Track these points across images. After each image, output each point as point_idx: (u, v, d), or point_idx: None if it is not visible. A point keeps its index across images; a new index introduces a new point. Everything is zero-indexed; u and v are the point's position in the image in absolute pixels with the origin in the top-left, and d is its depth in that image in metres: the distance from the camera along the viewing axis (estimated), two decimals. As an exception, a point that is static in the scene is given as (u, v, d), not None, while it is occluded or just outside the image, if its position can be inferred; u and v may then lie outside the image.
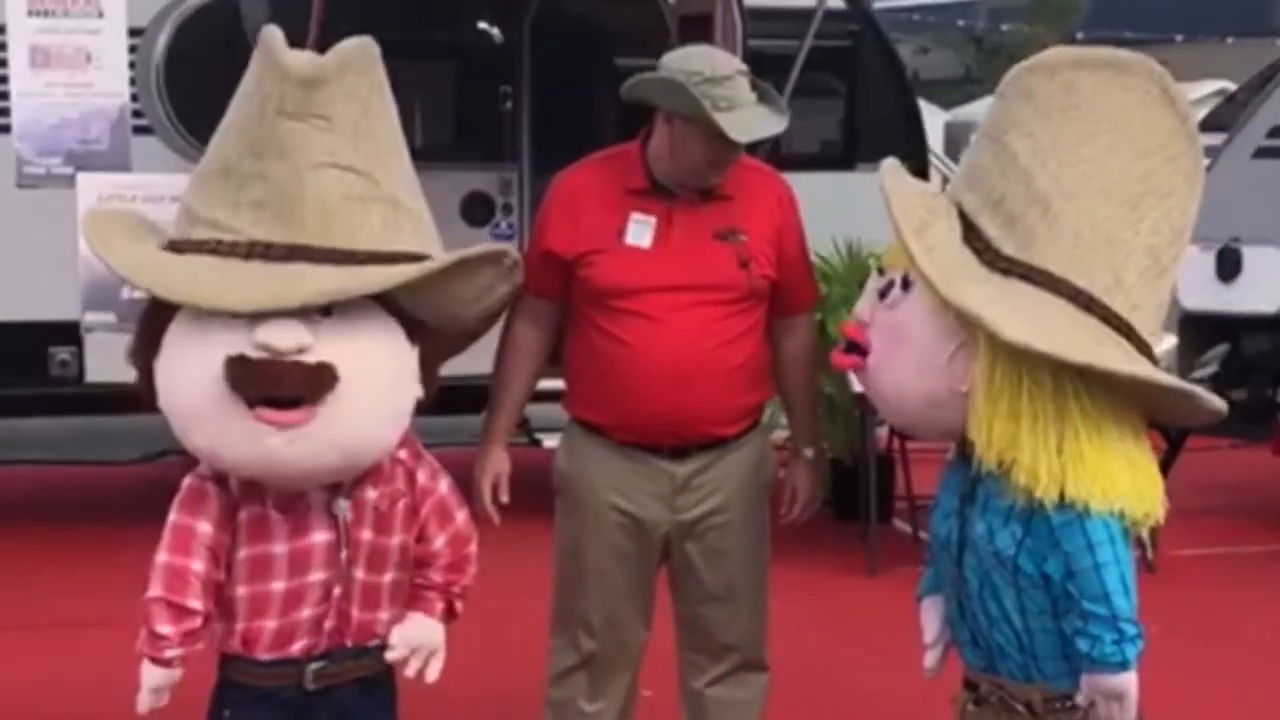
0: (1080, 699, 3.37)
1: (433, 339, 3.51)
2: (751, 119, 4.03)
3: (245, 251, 3.29)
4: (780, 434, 4.76)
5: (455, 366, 3.72)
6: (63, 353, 7.75)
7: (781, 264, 4.20)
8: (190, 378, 3.26)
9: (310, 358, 3.21)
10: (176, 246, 3.38)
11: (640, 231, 4.12)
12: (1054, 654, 3.39)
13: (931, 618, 3.63)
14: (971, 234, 3.36)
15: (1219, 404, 3.43)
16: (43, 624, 6.63)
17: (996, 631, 3.43)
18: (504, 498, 4.27)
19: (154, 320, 3.36)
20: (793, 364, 4.34)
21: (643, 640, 4.39)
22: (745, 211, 4.17)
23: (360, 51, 3.42)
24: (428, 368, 3.46)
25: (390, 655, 3.54)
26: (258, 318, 3.21)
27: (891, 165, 3.58)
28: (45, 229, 7.54)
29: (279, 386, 3.20)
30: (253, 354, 3.19)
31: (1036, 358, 3.21)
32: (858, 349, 3.50)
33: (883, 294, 3.46)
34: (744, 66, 4.13)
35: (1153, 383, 3.30)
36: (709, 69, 4.04)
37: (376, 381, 3.32)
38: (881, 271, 3.52)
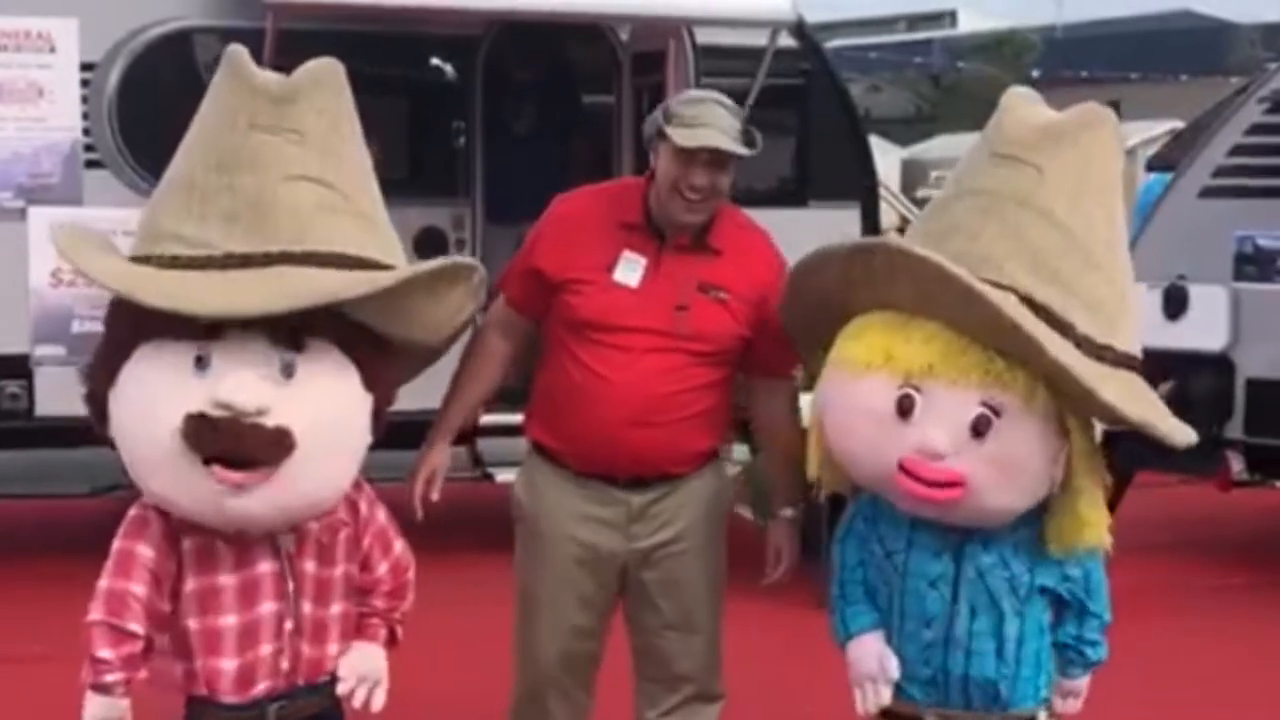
0: (1057, 705, 3.65)
1: (388, 373, 3.50)
2: (704, 135, 4.06)
3: (221, 263, 3.27)
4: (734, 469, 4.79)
5: (402, 402, 3.71)
6: (12, 386, 7.71)
7: (764, 326, 4.20)
8: (147, 426, 3.25)
9: (269, 420, 3.21)
10: (145, 261, 3.34)
11: (629, 271, 4.17)
12: (1030, 675, 3.55)
13: (885, 651, 3.62)
14: (1050, 322, 3.35)
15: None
16: (-5, 657, 6.56)
17: (976, 664, 3.51)
18: (435, 495, 4.28)
19: (115, 349, 3.33)
20: (778, 425, 4.39)
21: (596, 669, 4.42)
22: (733, 268, 4.21)
23: (329, 71, 3.46)
24: (379, 409, 3.47)
25: (342, 688, 3.53)
26: (223, 372, 3.20)
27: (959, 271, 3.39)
28: (-5, 264, 7.55)
29: (237, 448, 3.20)
30: (212, 411, 3.19)
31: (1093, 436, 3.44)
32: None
33: (978, 430, 3.34)
34: (729, 101, 4.18)
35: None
36: (687, 96, 4.19)
37: (332, 439, 3.33)
38: (919, 390, 3.38)
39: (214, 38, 7.92)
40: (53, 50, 7.64)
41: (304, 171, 3.34)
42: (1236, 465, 8.25)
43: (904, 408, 3.38)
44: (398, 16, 7.62)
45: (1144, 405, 3.40)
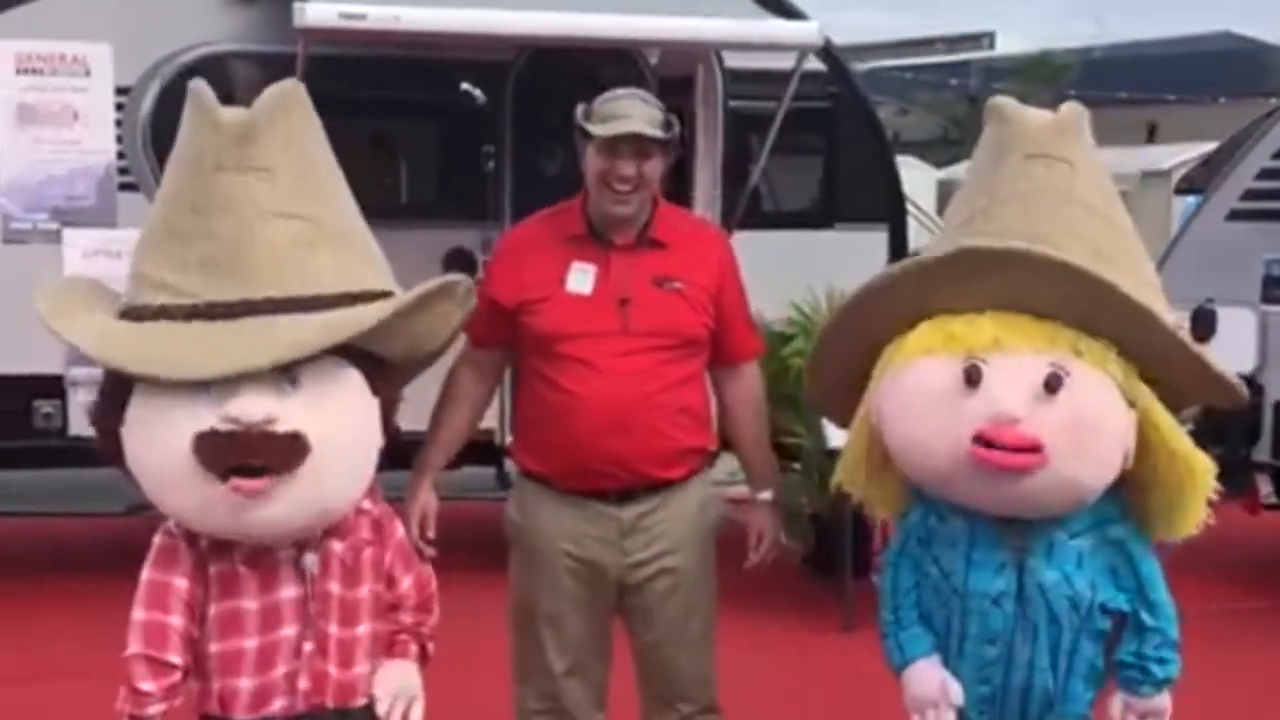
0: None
1: (391, 379, 3.52)
2: (622, 124, 4.15)
3: (204, 313, 3.27)
4: (740, 490, 4.82)
5: (411, 424, 3.76)
6: (46, 406, 7.79)
7: (720, 313, 4.30)
8: (158, 451, 3.26)
9: (280, 427, 3.22)
10: (133, 313, 3.35)
11: (581, 279, 4.23)
12: (1080, 688, 3.58)
13: (947, 676, 3.60)
14: None
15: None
16: (28, 676, 6.66)
17: (1034, 681, 3.54)
18: (430, 534, 4.32)
19: (116, 387, 3.34)
20: (740, 408, 4.45)
21: (604, 683, 4.47)
22: (682, 260, 4.28)
23: (289, 96, 3.43)
24: (387, 411, 3.49)
25: (380, 708, 3.52)
26: (226, 386, 3.20)
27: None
28: (31, 283, 7.54)
29: (250, 458, 3.21)
30: (221, 427, 3.20)
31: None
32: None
33: (1050, 387, 3.33)
34: (646, 94, 4.32)
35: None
36: (608, 94, 4.27)
37: (345, 442, 3.34)
38: (979, 368, 3.37)
39: (247, 62, 8.03)
40: (87, 74, 7.74)
41: (277, 209, 3.32)
42: (1265, 488, 8.24)
43: (972, 378, 3.35)
44: (428, 42, 7.67)
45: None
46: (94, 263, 7.62)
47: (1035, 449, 3.31)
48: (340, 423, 3.32)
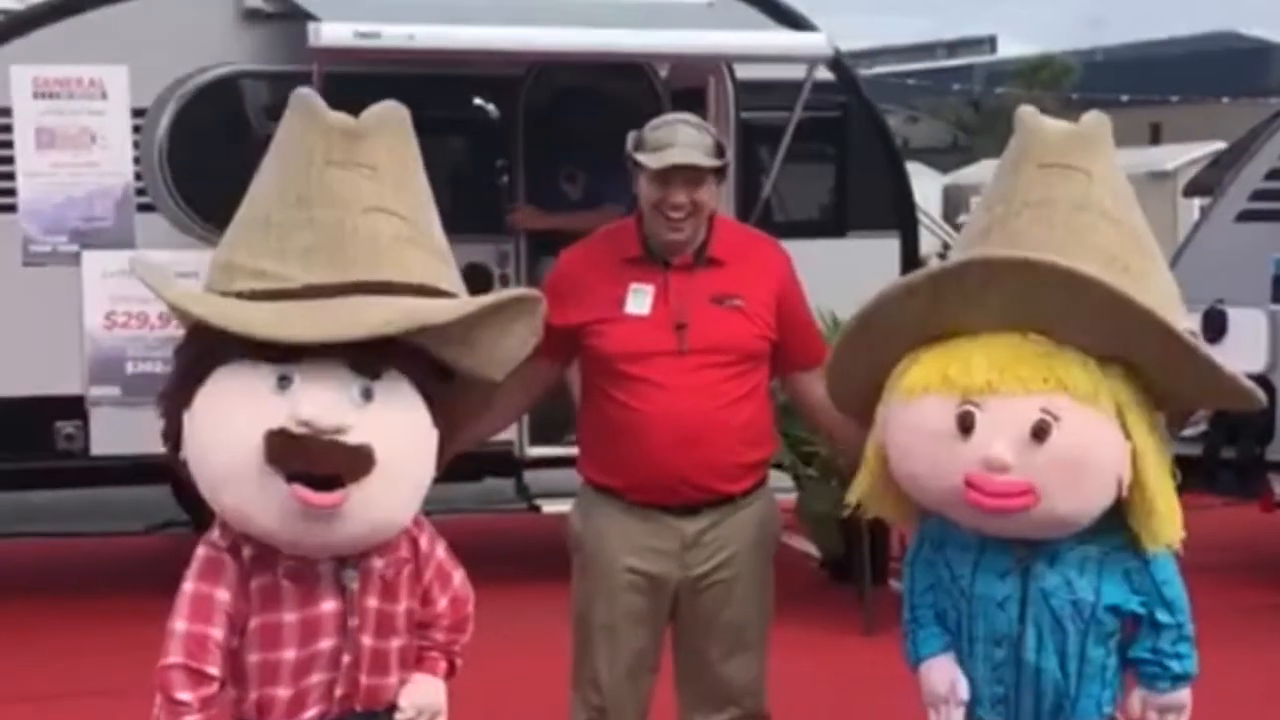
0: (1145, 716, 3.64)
1: (450, 416, 3.53)
2: (673, 154, 4.19)
3: (299, 294, 3.31)
4: (785, 498, 4.85)
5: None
6: (68, 426, 7.83)
7: (785, 325, 4.36)
8: (225, 442, 3.27)
9: (350, 438, 3.24)
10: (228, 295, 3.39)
11: (639, 300, 4.29)
12: (1093, 690, 3.59)
13: (957, 673, 3.68)
14: None
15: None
16: (50, 695, 6.69)
17: (1044, 682, 3.58)
18: None
19: (194, 365, 3.36)
20: (826, 408, 4.29)
21: (649, 696, 4.51)
22: (740, 276, 4.33)
23: (396, 113, 3.51)
24: (442, 446, 3.50)
25: (400, 718, 3.58)
26: (303, 388, 3.23)
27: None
28: (51, 305, 7.70)
29: (318, 464, 3.23)
30: (294, 429, 3.22)
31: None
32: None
33: (1039, 434, 3.38)
34: (695, 119, 4.34)
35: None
36: (658, 120, 4.30)
37: (408, 463, 3.37)
38: (971, 414, 3.42)
39: (262, 82, 8.10)
40: (104, 97, 7.80)
41: (380, 204, 3.39)
42: (1278, 488, 8.28)
43: (965, 425, 3.43)
44: (441, 59, 7.73)
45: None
46: (113, 284, 7.69)
47: (1024, 493, 3.41)
48: (404, 444, 3.35)
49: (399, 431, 3.35)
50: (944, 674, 3.69)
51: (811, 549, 8.44)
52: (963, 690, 3.66)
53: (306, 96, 3.49)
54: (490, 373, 3.58)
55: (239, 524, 3.37)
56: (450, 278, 3.51)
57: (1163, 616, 3.57)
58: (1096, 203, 3.54)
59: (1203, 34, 45.57)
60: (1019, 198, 3.62)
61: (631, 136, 4.30)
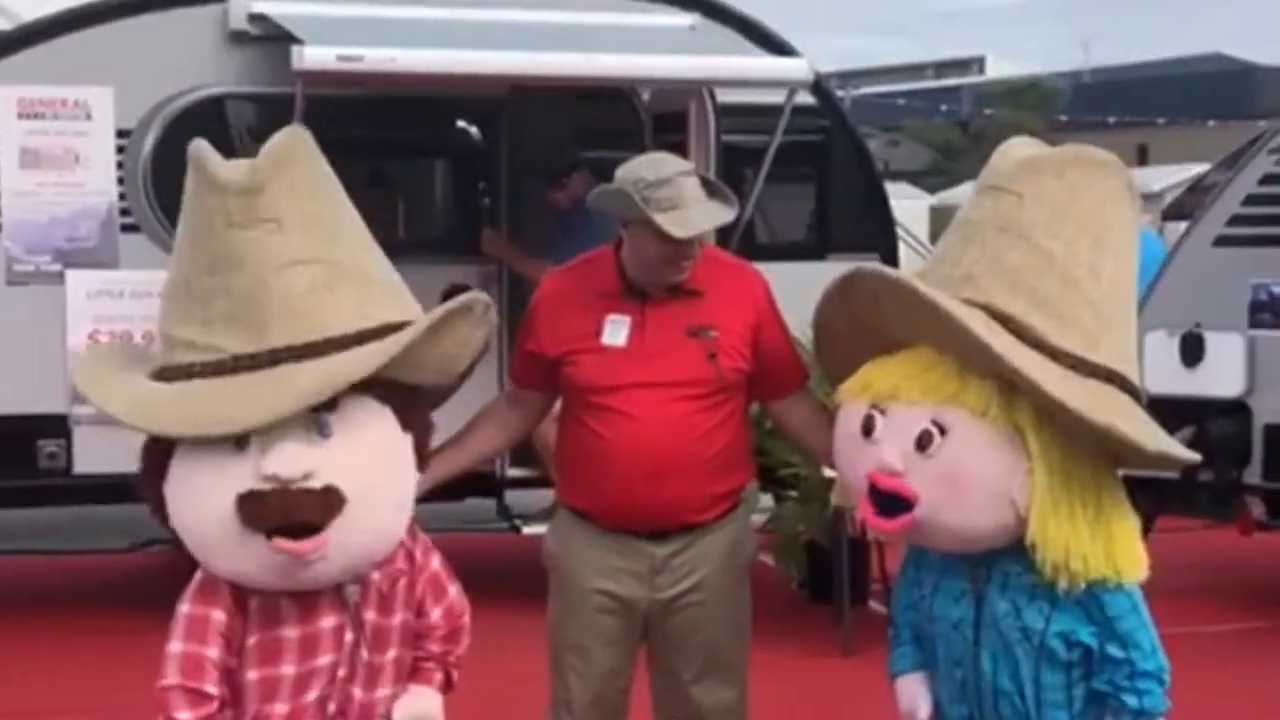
0: None
1: (423, 403, 3.60)
2: (694, 215, 4.22)
3: (230, 367, 3.35)
4: (758, 518, 4.88)
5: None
6: (51, 445, 7.84)
7: (761, 354, 4.36)
8: (202, 512, 3.35)
9: (316, 482, 3.30)
10: (166, 373, 3.44)
11: (616, 331, 4.32)
12: (1059, 716, 3.61)
13: (920, 693, 3.77)
14: (1023, 335, 3.50)
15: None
16: (34, 711, 6.69)
17: (1004, 704, 3.61)
18: None
19: (156, 449, 3.42)
20: (810, 430, 4.41)
21: (626, 713, 4.53)
22: (717, 306, 4.35)
23: (291, 143, 3.50)
24: (420, 442, 3.56)
25: None
26: (263, 443, 3.29)
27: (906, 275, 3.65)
28: (34, 324, 7.72)
29: (291, 516, 3.29)
30: (261, 486, 3.28)
31: (1090, 463, 3.49)
32: (896, 502, 3.53)
33: (921, 445, 3.49)
34: (688, 166, 4.36)
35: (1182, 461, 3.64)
36: (652, 174, 4.24)
37: (381, 486, 3.42)
38: (882, 411, 3.56)
39: (246, 104, 8.15)
40: (89, 117, 7.82)
41: (291, 258, 3.39)
42: (1256, 510, 8.33)
43: (866, 428, 3.58)
44: (424, 82, 7.77)
45: (1106, 410, 3.45)
46: (97, 303, 7.72)
47: (904, 496, 3.51)
48: (373, 467, 3.40)
49: (365, 458, 3.39)
50: (909, 692, 3.79)
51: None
52: (921, 709, 3.74)
53: (198, 154, 3.46)
54: (440, 380, 3.64)
55: (238, 582, 3.43)
56: (385, 297, 3.52)
57: (1114, 651, 3.56)
58: (1020, 225, 3.57)
59: (1190, 56, 45.64)
60: (959, 217, 3.76)
61: (635, 190, 4.21)
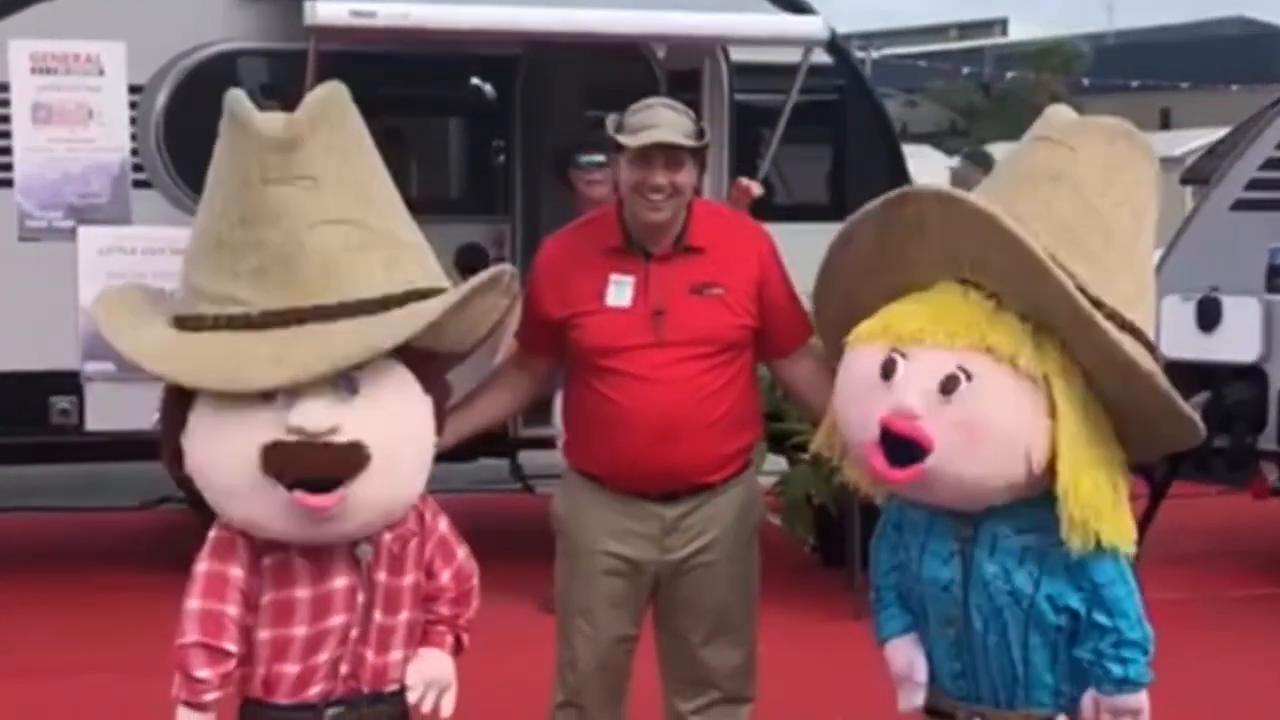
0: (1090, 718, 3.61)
1: (440, 367, 3.59)
2: (653, 134, 4.19)
3: (258, 322, 3.33)
4: (766, 481, 4.87)
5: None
6: (63, 401, 7.85)
7: (766, 311, 4.33)
8: (224, 460, 3.34)
9: (341, 437, 3.29)
10: (189, 323, 3.41)
11: (620, 292, 4.29)
12: (1046, 682, 3.60)
13: (914, 655, 3.76)
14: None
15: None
16: (44, 669, 6.71)
17: (993, 664, 3.61)
18: None
19: (178, 397, 3.40)
20: (812, 388, 4.35)
21: (628, 679, 4.52)
22: (720, 263, 4.32)
23: (330, 101, 3.47)
24: (439, 406, 3.57)
25: (411, 696, 3.61)
26: (290, 396, 3.28)
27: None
28: (46, 281, 7.72)
29: (314, 469, 3.29)
30: (286, 437, 3.27)
31: (1103, 418, 3.46)
32: (909, 448, 3.46)
33: (946, 389, 3.42)
34: (677, 104, 4.34)
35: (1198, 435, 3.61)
36: (638, 104, 4.29)
37: (404, 446, 3.42)
38: (904, 355, 3.48)
39: (259, 60, 8.12)
40: (101, 73, 7.80)
41: (324, 216, 3.38)
42: (1271, 476, 8.29)
43: (887, 370, 3.48)
44: (437, 38, 7.73)
45: (1147, 361, 3.45)
46: (109, 260, 7.71)
47: (921, 447, 3.42)
48: (397, 427, 3.40)
49: (390, 418, 3.39)
50: (902, 655, 3.77)
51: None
52: (920, 672, 3.72)
53: (236, 105, 3.44)
54: (459, 347, 3.63)
55: (254, 531, 3.43)
56: (412, 263, 3.52)
57: (1100, 619, 3.53)
58: (1073, 177, 3.55)
59: (1214, 19, 45.46)
60: (1010, 166, 3.74)
61: (611, 120, 4.29)
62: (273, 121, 3.41)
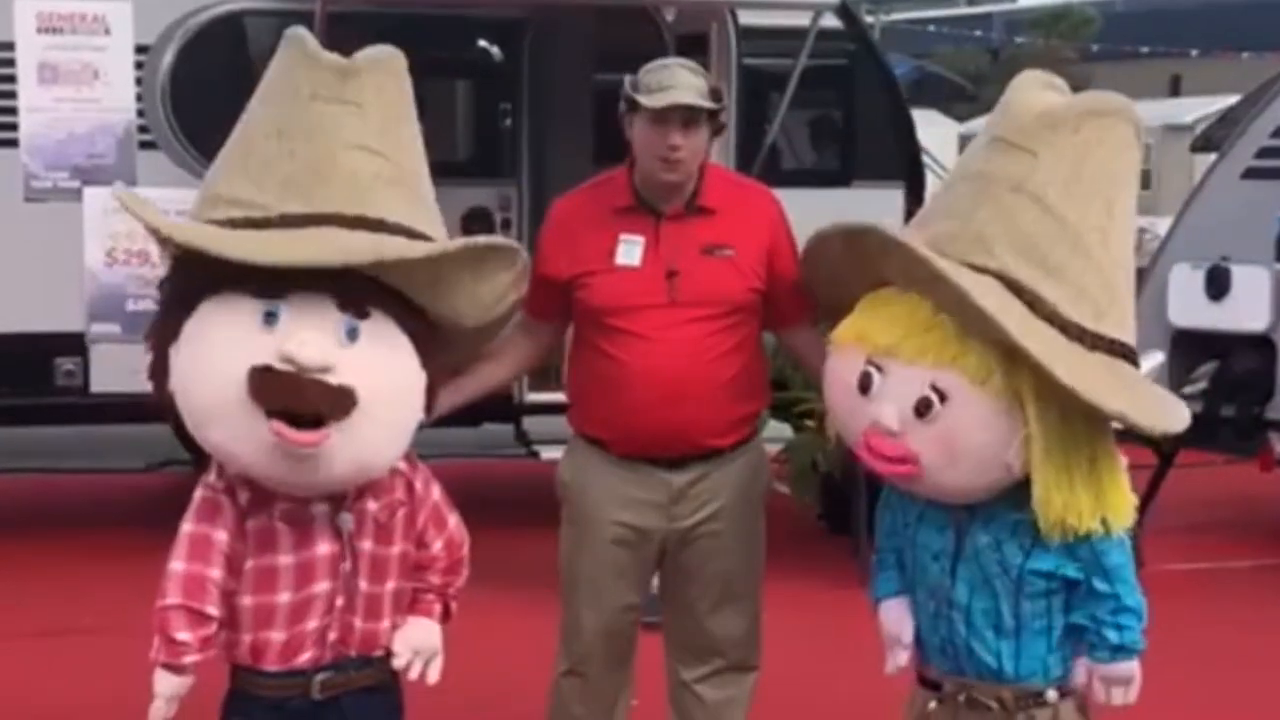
0: (1098, 693, 3.62)
1: (438, 351, 3.56)
2: (672, 95, 4.16)
3: (277, 223, 3.32)
4: (773, 447, 4.85)
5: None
6: (68, 363, 7.85)
7: (774, 277, 4.30)
8: (210, 376, 3.29)
9: (333, 378, 3.26)
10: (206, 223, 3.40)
11: (630, 251, 4.25)
12: (1036, 653, 3.59)
13: (903, 617, 3.75)
14: (1035, 306, 3.42)
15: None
16: (48, 631, 6.73)
17: (976, 637, 3.59)
18: None
19: (179, 297, 3.38)
20: (820, 354, 4.19)
21: (632, 647, 4.51)
22: (732, 226, 4.29)
23: (390, 56, 3.53)
24: (432, 388, 3.53)
25: (397, 662, 3.60)
26: (290, 328, 3.25)
27: (892, 229, 3.60)
28: (52, 242, 7.70)
29: (300, 402, 3.24)
30: (277, 365, 3.24)
31: (1083, 419, 3.42)
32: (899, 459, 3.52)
33: (920, 412, 3.44)
34: (694, 65, 4.30)
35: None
36: (654, 63, 4.27)
37: (391, 406, 3.38)
38: (880, 369, 3.49)
39: (265, 20, 8.05)
40: (107, 33, 7.76)
41: (363, 142, 3.40)
42: (1278, 446, 8.27)
43: (863, 385, 3.52)
44: (444, 0, 7.69)
45: (1115, 391, 3.39)
46: (114, 220, 7.67)
47: (906, 460, 3.48)
48: (389, 386, 3.37)
49: (384, 373, 3.36)
50: (891, 617, 3.78)
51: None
52: (905, 633, 3.74)
53: (301, 34, 3.50)
54: (463, 321, 3.59)
55: (226, 460, 3.40)
56: (430, 222, 3.51)
57: (1100, 585, 3.54)
58: (1035, 187, 3.48)
59: (1224, -14, 45.18)
60: (966, 166, 3.68)
61: (628, 80, 4.26)
62: (334, 54, 3.46)
